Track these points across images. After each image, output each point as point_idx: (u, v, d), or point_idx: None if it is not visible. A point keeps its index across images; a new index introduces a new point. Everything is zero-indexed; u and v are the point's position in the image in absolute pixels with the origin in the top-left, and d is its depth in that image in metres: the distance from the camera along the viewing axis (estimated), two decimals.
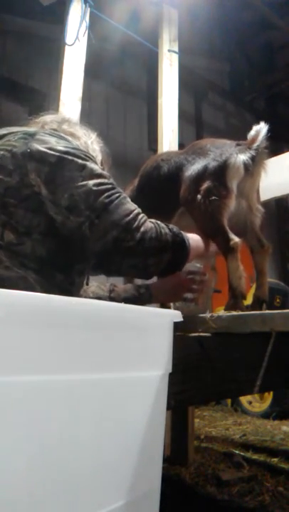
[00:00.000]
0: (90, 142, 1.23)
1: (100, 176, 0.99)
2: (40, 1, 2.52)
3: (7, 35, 4.58)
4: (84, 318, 0.63)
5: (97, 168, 1.01)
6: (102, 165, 1.20)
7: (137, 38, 2.88)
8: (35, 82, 4.65)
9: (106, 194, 0.97)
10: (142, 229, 0.99)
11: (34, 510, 0.55)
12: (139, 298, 1.41)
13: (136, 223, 0.98)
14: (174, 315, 0.79)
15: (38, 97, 4.55)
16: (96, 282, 1.43)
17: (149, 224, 1.02)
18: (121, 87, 5.44)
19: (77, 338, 0.61)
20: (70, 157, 0.98)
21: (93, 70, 2.91)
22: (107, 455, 0.65)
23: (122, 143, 5.28)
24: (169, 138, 2.56)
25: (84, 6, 2.37)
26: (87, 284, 1.26)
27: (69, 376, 0.60)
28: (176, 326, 0.79)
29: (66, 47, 2.30)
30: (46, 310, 0.58)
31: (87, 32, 2.38)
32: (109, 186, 0.99)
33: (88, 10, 2.40)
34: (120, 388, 0.68)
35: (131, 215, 0.98)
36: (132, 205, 1.01)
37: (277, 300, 3.90)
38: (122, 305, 0.77)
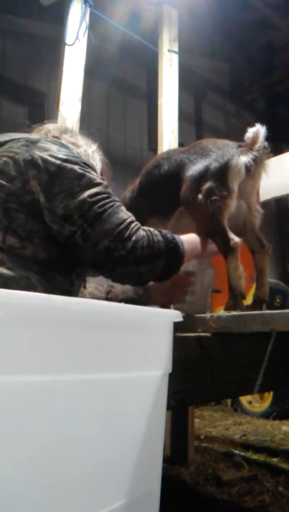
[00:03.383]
0: (91, 151, 1.23)
1: (97, 185, 0.99)
2: (40, 1, 2.52)
3: (7, 35, 4.57)
4: (84, 318, 0.63)
5: (95, 177, 1.01)
6: (101, 175, 1.20)
7: (137, 38, 2.89)
8: (35, 82, 4.64)
9: (100, 204, 0.97)
10: (134, 238, 0.98)
11: (34, 510, 0.55)
12: (136, 300, 1.41)
13: (128, 232, 0.98)
14: (174, 315, 0.79)
15: (38, 97, 4.56)
16: (94, 283, 1.43)
17: (142, 232, 1.01)
18: (121, 87, 5.44)
19: (77, 338, 0.61)
20: (69, 165, 0.98)
21: (93, 69, 2.91)
22: (107, 455, 0.65)
23: (122, 143, 5.28)
24: (169, 138, 2.57)
25: (84, 6, 2.38)
26: (84, 287, 1.26)
27: (69, 376, 0.60)
28: (176, 326, 0.79)
29: (66, 47, 2.31)
30: (46, 310, 0.58)
31: (87, 32, 2.39)
32: (105, 196, 0.99)
33: (88, 10, 2.41)
34: (120, 388, 0.68)
35: (123, 225, 0.98)
36: (125, 214, 1.01)
37: (277, 300, 3.91)
38: (122, 305, 0.77)
